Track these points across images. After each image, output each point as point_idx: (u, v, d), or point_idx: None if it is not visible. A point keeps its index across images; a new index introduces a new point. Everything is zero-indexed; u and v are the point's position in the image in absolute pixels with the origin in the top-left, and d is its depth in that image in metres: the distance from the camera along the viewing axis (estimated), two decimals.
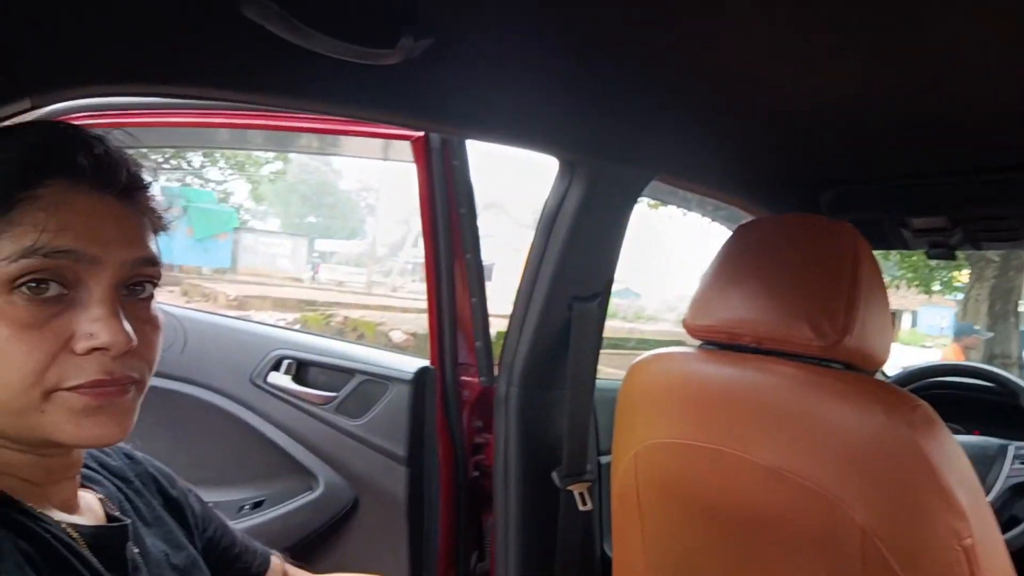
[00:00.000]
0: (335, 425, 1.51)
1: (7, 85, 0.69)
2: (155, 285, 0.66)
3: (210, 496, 1.60)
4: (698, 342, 1.12)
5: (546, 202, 1.32)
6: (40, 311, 0.56)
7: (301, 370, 1.54)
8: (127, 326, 0.59)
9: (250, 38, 0.76)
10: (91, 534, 0.64)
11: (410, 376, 1.49)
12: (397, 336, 7.86)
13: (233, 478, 1.60)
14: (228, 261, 15.16)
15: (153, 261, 0.64)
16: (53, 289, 0.57)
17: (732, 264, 1.06)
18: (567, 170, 1.28)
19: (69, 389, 0.57)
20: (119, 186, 0.62)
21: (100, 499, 0.71)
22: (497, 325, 1.57)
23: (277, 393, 1.53)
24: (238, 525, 1.52)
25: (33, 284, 0.56)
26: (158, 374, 1.53)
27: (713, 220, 1.84)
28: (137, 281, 0.63)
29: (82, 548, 0.61)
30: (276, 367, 1.53)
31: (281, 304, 10.67)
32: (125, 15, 0.72)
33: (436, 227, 1.40)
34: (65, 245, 0.57)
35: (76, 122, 1.52)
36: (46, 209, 0.57)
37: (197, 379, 1.56)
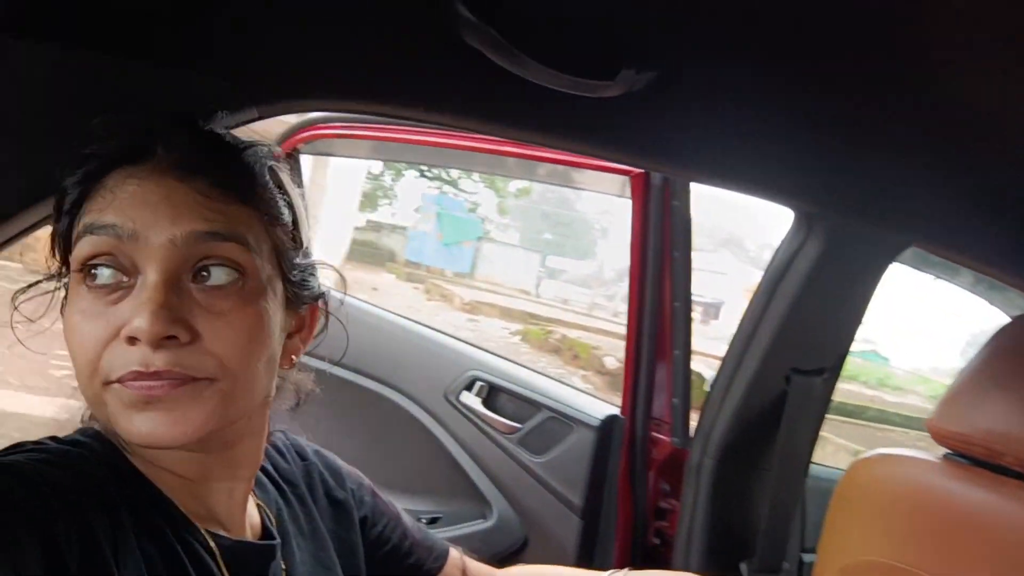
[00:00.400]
0: (516, 457, 1.47)
1: (239, 96, 0.73)
2: (240, 271, 0.57)
3: (397, 502, 1.66)
4: (944, 451, 0.90)
5: (774, 256, 1.16)
6: (98, 298, 0.55)
7: (492, 394, 1.52)
8: (166, 315, 0.53)
9: (468, 64, 0.74)
10: (231, 548, 0.62)
11: (597, 422, 1.40)
12: (610, 363, 7.78)
13: (415, 488, 1.63)
14: (468, 267, 16.14)
15: (218, 236, 0.56)
16: (110, 275, 0.55)
17: (1002, 363, 0.84)
18: (803, 223, 1.11)
19: (117, 382, 0.54)
20: (184, 166, 0.57)
21: (259, 506, 0.71)
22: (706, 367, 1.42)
23: (467, 413, 1.53)
24: None
25: (97, 272, 0.55)
26: (364, 373, 1.58)
27: (989, 303, 1.51)
28: (206, 265, 0.57)
29: (217, 562, 0.61)
30: (469, 387, 1.54)
31: (507, 313, 11.09)
32: (348, 36, 0.74)
33: (645, 269, 1.30)
34: (105, 220, 0.55)
35: (334, 132, 1.63)
36: (104, 194, 0.57)
37: (399, 385, 1.61)
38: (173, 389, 0.54)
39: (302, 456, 0.80)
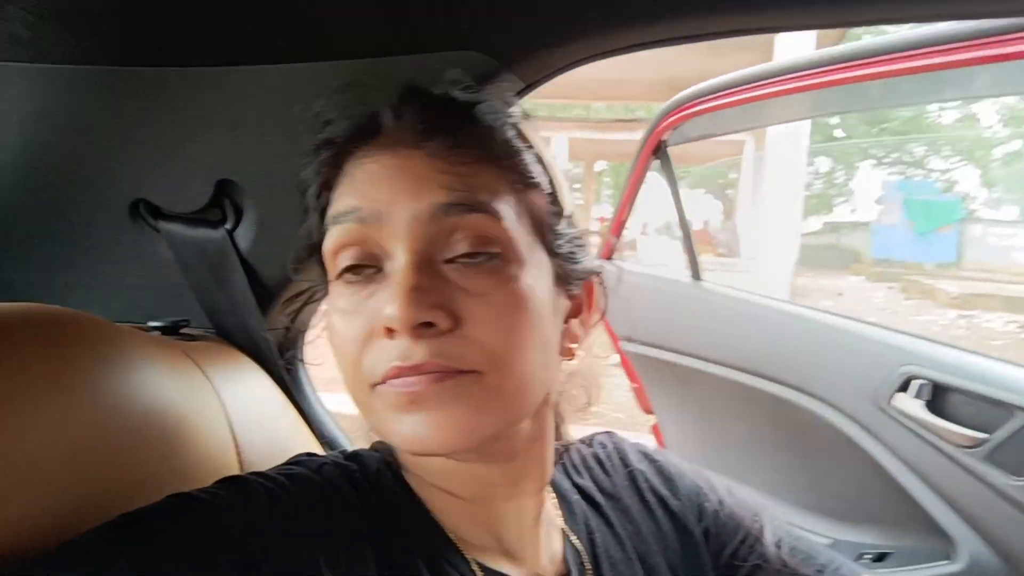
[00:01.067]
0: (984, 479, 1.06)
1: (489, 64, 0.67)
2: (495, 246, 0.50)
3: (829, 531, 1.37)
4: None
5: None
6: (354, 294, 0.50)
7: (938, 395, 1.14)
8: (419, 299, 0.46)
9: None
10: None
11: None
12: None
13: (853, 515, 1.32)
14: (952, 255, 13.72)
15: (464, 207, 0.49)
16: (364, 270, 0.50)
17: None
18: None
19: (382, 382, 0.48)
20: (424, 134, 0.51)
21: (565, 532, 0.59)
22: None
23: (904, 422, 1.17)
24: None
25: (350, 266, 0.50)
26: (768, 377, 1.37)
27: None
28: (468, 243, 0.49)
29: None
30: (904, 387, 1.18)
31: (1011, 304, 8.98)
32: None
33: None
34: (346, 206, 0.50)
35: (702, 108, 1.47)
36: (344, 180, 0.52)
37: (814, 391, 1.34)
38: (436, 384, 0.46)
39: (625, 462, 0.66)
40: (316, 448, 0.80)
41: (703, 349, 1.54)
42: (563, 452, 0.66)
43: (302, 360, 1.04)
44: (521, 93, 0.71)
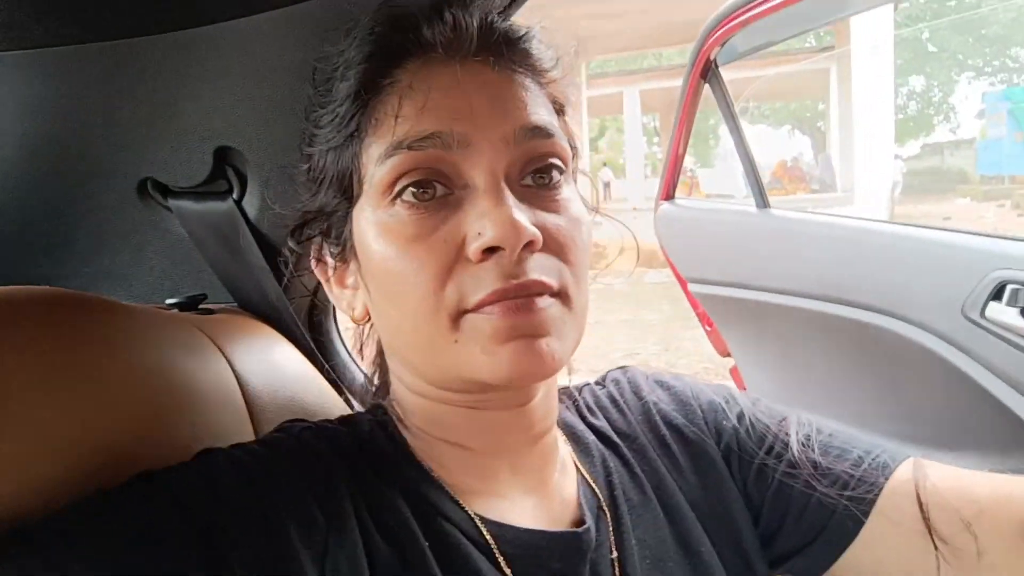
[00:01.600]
0: None
1: None
2: (562, 170, 0.50)
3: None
4: None
5: None
6: (426, 219, 0.47)
7: None
8: (522, 217, 0.45)
9: None
10: (516, 540, 0.49)
11: None
12: None
13: (952, 442, 1.22)
14: None
15: (544, 131, 0.49)
16: (435, 190, 0.47)
17: None
18: None
19: (475, 310, 0.45)
20: (483, 50, 0.48)
21: (581, 475, 0.56)
22: None
23: (1001, 332, 1.07)
24: None
25: (414, 189, 0.47)
26: (845, 302, 1.29)
27: None
28: (537, 167, 0.49)
29: (494, 559, 0.48)
30: (998, 295, 1.07)
31: None
32: None
33: None
34: (427, 130, 0.46)
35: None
36: (401, 93, 0.48)
37: (895, 310, 1.23)
38: (535, 311, 0.45)
39: (638, 395, 0.63)
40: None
41: (775, 281, 1.45)
42: (576, 394, 0.64)
43: (335, 321, 1.04)
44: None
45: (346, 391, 0.91)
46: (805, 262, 1.40)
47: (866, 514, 0.55)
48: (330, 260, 0.56)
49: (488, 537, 0.49)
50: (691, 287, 1.65)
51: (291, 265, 0.64)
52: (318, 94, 0.54)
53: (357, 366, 1.02)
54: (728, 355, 1.72)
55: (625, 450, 0.59)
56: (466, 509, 0.50)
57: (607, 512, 0.54)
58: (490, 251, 0.45)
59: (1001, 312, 1.05)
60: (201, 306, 0.83)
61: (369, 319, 0.55)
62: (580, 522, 0.53)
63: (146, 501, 0.43)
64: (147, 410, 0.53)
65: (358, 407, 0.93)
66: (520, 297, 0.45)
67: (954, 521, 0.53)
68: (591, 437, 0.59)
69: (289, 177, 0.75)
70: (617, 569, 0.51)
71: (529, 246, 0.45)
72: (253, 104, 0.73)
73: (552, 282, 0.46)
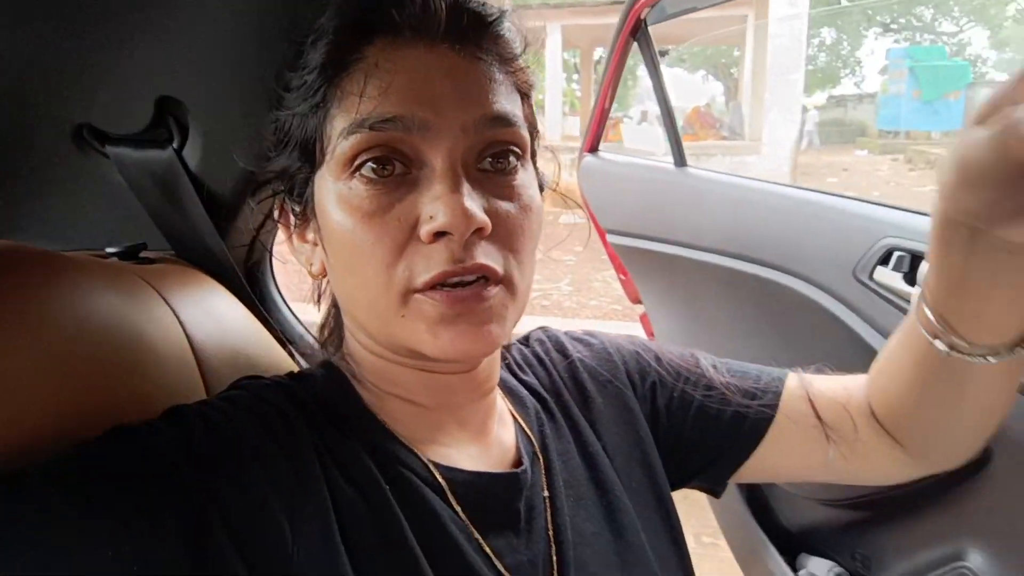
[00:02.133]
0: None
1: None
2: (519, 156, 0.52)
3: None
4: None
5: None
6: (382, 195, 0.48)
7: (915, 266, 1.13)
8: (472, 204, 0.47)
9: None
10: (466, 482, 0.54)
11: None
12: None
13: None
14: (960, 122, 13.36)
15: (505, 120, 0.51)
16: (394, 167, 0.49)
17: None
18: None
19: (421, 290, 0.48)
20: (451, 34, 0.49)
21: (518, 424, 0.62)
22: None
23: (885, 294, 1.17)
24: None
25: (374, 165, 0.49)
26: (749, 259, 1.37)
27: None
28: (495, 152, 0.51)
29: (447, 498, 0.53)
30: (885, 260, 1.17)
31: None
32: None
33: None
34: (389, 112, 0.48)
35: None
36: (367, 71, 0.49)
37: (794, 269, 1.33)
38: (479, 297, 0.49)
39: (563, 354, 0.68)
40: (289, 366, 0.81)
41: (687, 236, 1.52)
42: (506, 352, 0.69)
43: (272, 275, 1.03)
44: None
45: (289, 345, 0.92)
46: (715, 220, 1.47)
47: (772, 417, 0.68)
48: (292, 216, 0.58)
49: (441, 480, 0.53)
50: (609, 238, 1.71)
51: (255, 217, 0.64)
52: (289, 58, 0.54)
53: (298, 321, 1.02)
54: (639, 302, 1.80)
55: (552, 404, 0.65)
56: (420, 456, 0.54)
57: (540, 457, 0.60)
58: (441, 234, 0.47)
59: (887, 276, 1.15)
60: (141, 255, 0.81)
61: (326, 275, 0.57)
62: (518, 464, 0.58)
63: (126, 454, 0.45)
64: (94, 361, 0.53)
65: (302, 362, 0.94)
66: (466, 284, 0.48)
67: (836, 410, 0.68)
68: (524, 391, 0.65)
69: (231, 131, 0.73)
70: (548, 504, 0.58)
71: (478, 232, 0.48)
72: (202, 58, 0.71)
73: (497, 268, 0.49)
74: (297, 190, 0.55)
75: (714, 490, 0.73)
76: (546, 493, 0.58)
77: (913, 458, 0.69)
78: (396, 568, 0.49)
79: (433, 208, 0.47)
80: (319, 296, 0.63)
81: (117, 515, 0.41)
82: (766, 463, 0.69)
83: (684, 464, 0.69)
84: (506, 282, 0.51)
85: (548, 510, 0.58)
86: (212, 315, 0.75)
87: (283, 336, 0.97)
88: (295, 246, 0.59)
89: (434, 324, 0.48)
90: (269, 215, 0.64)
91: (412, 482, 0.53)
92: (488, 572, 0.52)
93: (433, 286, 0.48)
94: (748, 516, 1.51)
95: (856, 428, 0.68)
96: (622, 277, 1.78)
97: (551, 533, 0.57)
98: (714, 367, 0.72)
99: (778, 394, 0.70)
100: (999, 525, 1.10)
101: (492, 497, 0.55)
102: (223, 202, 0.85)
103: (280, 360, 0.81)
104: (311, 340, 1.05)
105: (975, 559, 1.12)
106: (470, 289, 0.48)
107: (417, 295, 0.49)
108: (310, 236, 0.57)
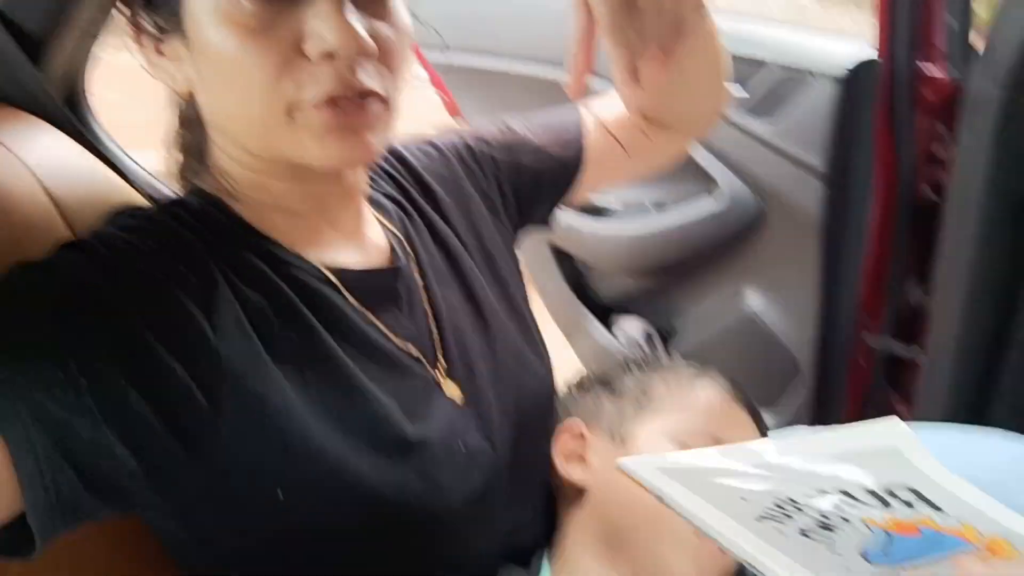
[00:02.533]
0: (740, 127, 1.29)
1: None
2: None
3: (618, 194, 1.58)
4: None
5: None
6: (264, 11, 0.48)
7: None
8: (359, 26, 0.48)
9: None
10: (353, 276, 0.61)
11: (842, 74, 1.17)
12: None
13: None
14: None
15: None
16: None
17: None
18: None
19: (309, 107, 0.51)
20: None
21: (385, 227, 0.68)
22: None
23: None
24: (640, 224, 1.48)
25: None
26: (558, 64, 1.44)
27: None
28: None
29: (340, 291, 0.59)
30: None
31: None
32: None
33: None
34: None
35: None
36: None
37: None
38: (362, 111, 0.51)
39: (403, 162, 0.74)
40: (139, 199, 0.78)
41: (504, 47, 1.57)
42: None
43: (91, 112, 0.96)
44: None
45: (130, 179, 0.88)
46: (527, 28, 1.54)
47: (583, 147, 0.78)
48: (149, 28, 0.55)
49: (333, 278, 0.59)
50: (427, 54, 1.70)
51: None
52: None
53: (127, 156, 0.97)
54: (458, 115, 1.86)
55: (408, 207, 0.71)
56: (307, 259, 0.59)
57: (410, 251, 0.68)
58: (328, 55, 0.49)
59: None
60: None
61: (191, 95, 0.57)
62: (392, 262, 0.66)
63: (42, 283, 0.48)
64: None
65: (164, 190, 0.91)
66: (352, 104, 0.51)
67: (627, 127, 0.78)
68: (383, 198, 0.70)
69: None
70: (423, 289, 0.67)
71: (364, 54, 0.50)
72: None
73: (380, 91, 0.52)
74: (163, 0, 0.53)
75: (545, 220, 0.84)
76: (419, 280, 0.66)
77: (680, 132, 0.80)
78: (308, 351, 0.55)
79: (320, 27, 0.48)
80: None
81: (54, 334, 0.44)
82: (583, 188, 0.81)
83: (527, 216, 0.80)
84: (386, 103, 0.53)
85: (423, 291, 0.66)
86: (53, 156, 0.71)
87: (125, 172, 0.93)
88: (152, 60, 0.56)
89: (321, 136, 0.51)
90: (88, 33, 0.60)
91: (309, 283, 0.57)
92: (386, 343, 0.60)
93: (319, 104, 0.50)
94: (569, 294, 1.73)
95: (645, 134, 0.77)
96: (444, 97, 1.80)
97: (429, 309, 0.65)
98: (528, 129, 0.78)
99: (581, 134, 0.78)
100: (768, 270, 1.40)
101: (378, 287, 0.62)
102: (32, 30, 0.77)
103: (133, 195, 0.79)
104: (146, 175, 1.01)
105: (752, 298, 1.43)
106: (355, 103, 0.51)
107: (305, 111, 0.51)
108: (169, 51, 0.55)
